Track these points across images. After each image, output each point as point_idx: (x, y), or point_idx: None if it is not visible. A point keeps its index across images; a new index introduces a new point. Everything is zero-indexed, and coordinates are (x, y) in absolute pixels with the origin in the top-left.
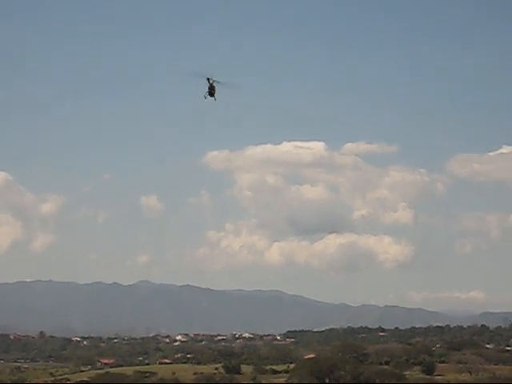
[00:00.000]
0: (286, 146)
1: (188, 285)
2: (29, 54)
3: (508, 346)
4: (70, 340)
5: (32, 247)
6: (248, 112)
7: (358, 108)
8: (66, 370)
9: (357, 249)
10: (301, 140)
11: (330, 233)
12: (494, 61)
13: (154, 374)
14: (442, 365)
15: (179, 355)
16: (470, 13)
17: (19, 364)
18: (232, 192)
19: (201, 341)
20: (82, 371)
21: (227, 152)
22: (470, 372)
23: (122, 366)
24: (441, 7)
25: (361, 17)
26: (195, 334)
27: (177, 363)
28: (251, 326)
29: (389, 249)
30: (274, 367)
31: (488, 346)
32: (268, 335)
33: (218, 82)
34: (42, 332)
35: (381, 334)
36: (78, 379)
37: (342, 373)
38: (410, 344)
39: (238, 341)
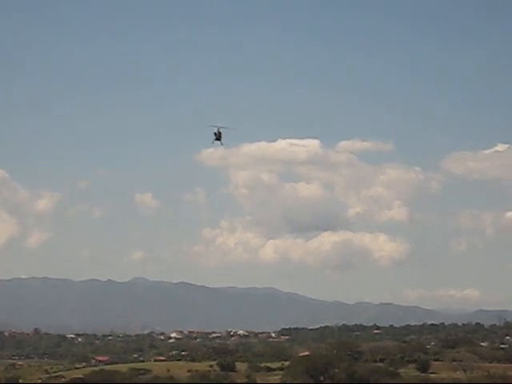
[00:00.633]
0: (281, 144)
1: (183, 282)
2: (24, 50)
3: (502, 343)
4: (64, 337)
5: (27, 244)
6: (243, 109)
7: (353, 106)
8: (61, 367)
9: (352, 246)
10: (296, 137)
11: (325, 230)
12: (489, 59)
13: (148, 371)
14: (437, 363)
15: (174, 352)
16: (466, 10)
17: (14, 361)
18: (227, 189)
19: (195, 338)
20: (76, 368)
21: (222, 149)
22: (464, 370)
23: (116, 363)
24: (434, 3)
25: (357, 16)
26: (190, 332)
27: (171, 360)
28: (246, 323)
29: (384, 246)
30: (268, 365)
31: (482, 343)
32: (263, 333)
33: (223, 128)
34: (36, 329)
35: (375, 331)
36: (73, 376)
37: (337, 370)
38: (404, 342)
39: (232, 338)
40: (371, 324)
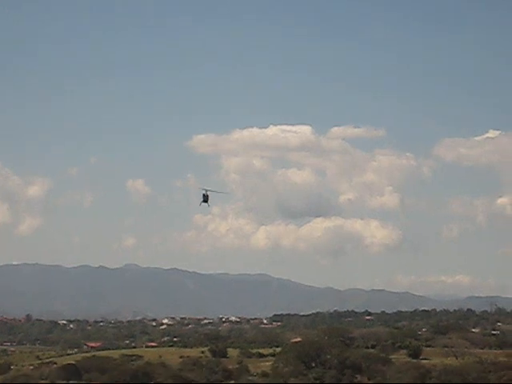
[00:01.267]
0: (273, 130)
1: (175, 268)
2: (17, 43)
3: (494, 330)
4: (56, 323)
5: (19, 230)
6: (234, 95)
7: (345, 92)
8: (53, 353)
9: (343, 233)
10: (287, 124)
11: (317, 217)
12: (481, 46)
13: (140, 357)
14: (428, 349)
15: (166, 338)
16: None
17: (5, 347)
18: (219, 176)
19: (187, 324)
20: (68, 354)
21: (214, 136)
22: (455, 356)
23: (108, 349)
24: None
25: (347, 2)
26: (182, 318)
27: (163, 346)
28: (238, 309)
29: (376, 233)
30: (260, 351)
31: (474, 330)
32: (254, 319)
33: (212, 191)
34: (28, 315)
35: (367, 317)
36: (65, 362)
37: (329, 356)
38: (396, 328)
39: (224, 324)
40: (363, 310)
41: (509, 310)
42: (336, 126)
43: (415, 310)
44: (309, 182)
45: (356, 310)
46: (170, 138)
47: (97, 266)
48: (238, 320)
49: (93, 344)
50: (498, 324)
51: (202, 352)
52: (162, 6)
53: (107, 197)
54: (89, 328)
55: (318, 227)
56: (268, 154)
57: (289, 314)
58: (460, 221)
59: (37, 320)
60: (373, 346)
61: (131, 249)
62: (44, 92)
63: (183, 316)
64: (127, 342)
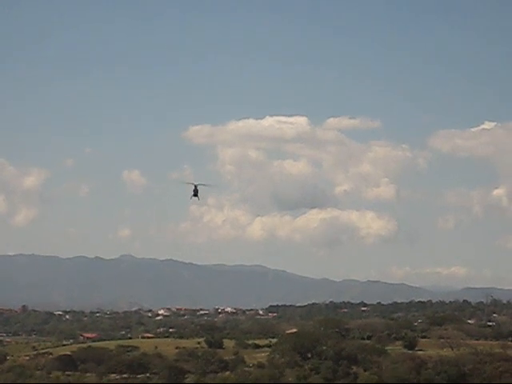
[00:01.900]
0: (269, 121)
1: (170, 259)
2: (14, 34)
3: (489, 321)
4: (52, 314)
5: (15, 221)
6: (230, 86)
7: (341, 83)
8: (49, 343)
9: (339, 224)
10: (283, 115)
11: (313, 208)
12: (478, 37)
13: (136, 348)
14: (424, 340)
15: (161, 329)
16: None
17: (1, 338)
18: (214, 166)
19: (183, 315)
20: (64, 345)
21: (209, 126)
22: (451, 347)
23: (104, 340)
24: None
25: None
26: (177, 309)
27: (159, 337)
28: (234, 300)
29: (371, 224)
30: (256, 342)
31: (469, 321)
32: (250, 310)
33: (203, 185)
34: (24, 306)
35: (363, 308)
36: (61, 353)
37: (324, 348)
38: (392, 319)
39: (220, 315)
40: (358, 301)
41: (504, 302)
42: (332, 117)
43: (411, 302)
44: (305, 173)
45: (352, 301)
46: (166, 128)
47: (93, 256)
48: (234, 311)
49: (89, 335)
50: (494, 315)
51: (198, 343)
52: None
53: (103, 188)
54: (85, 319)
55: (313, 218)
56: (264, 145)
57: (284, 305)
58: (456, 212)
59: (33, 311)
60: (368, 337)
61: (127, 240)
62: (40, 82)
63: (179, 307)
64: (123, 332)
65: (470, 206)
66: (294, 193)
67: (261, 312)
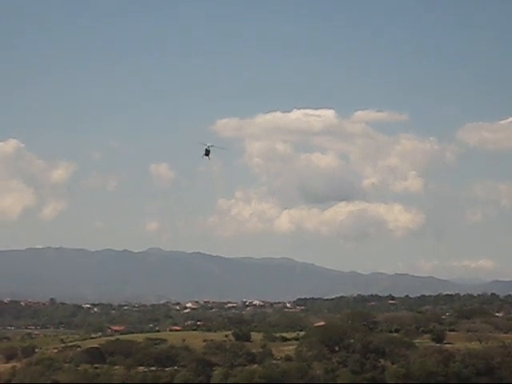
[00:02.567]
0: (296, 114)
1: (198, 252)
2: (35, 16)
3: None
4: (80, 307)
5: (43, 214)
6: (258, 80)
7: (368, 76)
8: (77, 336)
9: (367, 217)
10: (311, 108)
11: (340, 201)
12: (506, 28)
13: (164, 340)
14: (452, 333)
15: (189, 322)
16: None
17: (30, 330)
18: (242, 160)
19: (211, 308)
20: (92, 338)
21: (237, 120)
22: (479, 340)
23: (132, 333)
24: None
25: None
26: (205, 302)
27: (187, 330)
28: (261, 293)
29: (399, 217)
30: (283, 335)
31: (498, 314)
32: (278, 303)
33: (213, 147)
34: (52, 299)
35: (391, 302)
36: (89, 346)
37: (352, 341)
38: (419, 312)
39: (248, 308)
40: (386, 294)
41: None
42: (359, 110)
43: (439, 295)
44: (332, 165)
45: (379, 294)
46: (194, 122)
47: (120, 249)
48: (262, 304)
49: (116, 327)
50: None
51: (226, 336)
52: None
53: (131, 181)
54: (112, 312)
55: (341, 211)
56: (291, 138)
57: (312, 298)
58: (483, 205)
59: (61, 304)
60: (396, 331)
61: (155, 233)
62: (69, 75)
63: (207, 300)
64: (151, 325)
65: (497, 199)
66: (322, 186)
67: (288, 305)
